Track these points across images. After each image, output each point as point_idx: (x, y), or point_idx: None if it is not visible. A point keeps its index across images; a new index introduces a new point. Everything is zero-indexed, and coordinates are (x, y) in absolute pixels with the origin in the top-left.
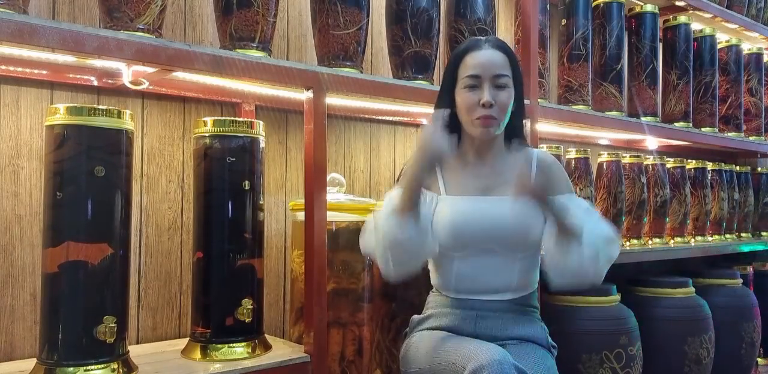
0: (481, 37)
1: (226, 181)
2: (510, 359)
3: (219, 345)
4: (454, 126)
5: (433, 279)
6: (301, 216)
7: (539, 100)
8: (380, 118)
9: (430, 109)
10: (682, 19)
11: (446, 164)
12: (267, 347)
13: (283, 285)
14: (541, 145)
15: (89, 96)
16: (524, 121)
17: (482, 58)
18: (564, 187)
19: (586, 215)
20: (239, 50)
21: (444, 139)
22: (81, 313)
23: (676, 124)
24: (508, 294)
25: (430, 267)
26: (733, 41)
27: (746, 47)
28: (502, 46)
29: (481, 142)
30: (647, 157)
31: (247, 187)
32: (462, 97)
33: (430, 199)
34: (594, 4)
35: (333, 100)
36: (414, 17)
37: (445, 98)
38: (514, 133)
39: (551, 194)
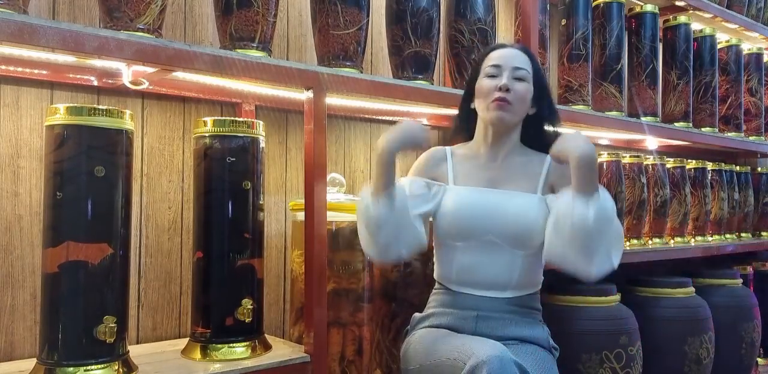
0: (508, 43)
1: (226, 181)
2: (510, 355)
3: (219, 345)
4: (469, 122)
5: (436, 271)
6: (301, 216)
7: None
8: (380, 118)
9: (430, 109)
10: (682, 19)
11: (456, 160)
12: (267, 347)
13: (283, 285)
14: None
15: (89, 96)
16: (546, 131)
17: (505, 52)
18: None
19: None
20: (239, 50)
21: (422, 130)
22: (81, 313)
23: (676, 124)
24: (509, 292)
25: (434, 259)
26: (733, 41)
27: (746, 47)
28: (527, 51)
29: (495, 135)
30: (647, 157)
31: (247, 187)
32: (481, 84)
33: (437, 190)
34: (594, 4)
35: (333, 100)
36: (414, 17)
37: (468, 95)
38: (535, 141)
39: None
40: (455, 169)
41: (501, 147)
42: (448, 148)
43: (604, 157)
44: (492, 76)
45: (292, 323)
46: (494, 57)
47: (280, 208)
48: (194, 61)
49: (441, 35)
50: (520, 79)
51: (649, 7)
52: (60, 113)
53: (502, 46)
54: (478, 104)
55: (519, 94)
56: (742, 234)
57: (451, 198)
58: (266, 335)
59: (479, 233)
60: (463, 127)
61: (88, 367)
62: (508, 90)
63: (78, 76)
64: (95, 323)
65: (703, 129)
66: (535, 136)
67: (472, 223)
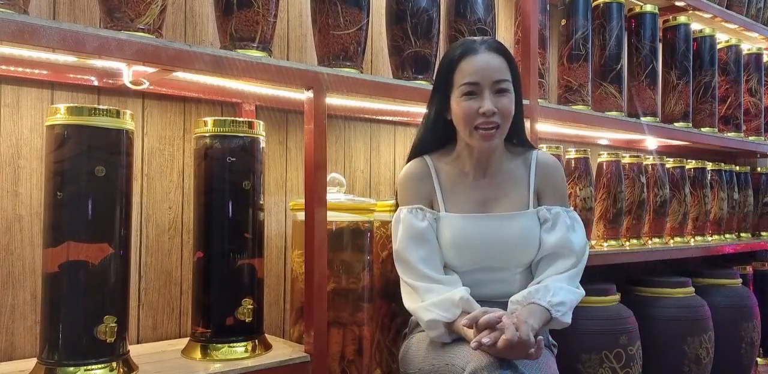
0: (476, 38)
1: (227, 180)
2: (508, 361)
3: (219, 345)
4: (448, 132)
5: None
6: (301, 216)
7: (539, 100)
8: (380, 118)
9: None
10: (682, 19)
11: (443, 177)
12: (267, 347)
13: (283, 285)
14: (540, 145)
15: (89, 96)
16: (524, 122)
17: (480, 63)
18: (557, 194)
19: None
20: (239, 50)
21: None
22: (81, 313)
23: (675, 124)
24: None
25: None
26: (733, 41)
27: (746, 47)
28: (499, 49)
29: (480, 152)
30: (647, 157)
31: (247, 187)
32: (461, 106)
33: (431, 218)
34: (594, 4)
35: (333, 100)
36: (414, 17)
37: (439, 104)
38: (514, 136)
39: (543, 202)
40: (444, 190)
41: (489, 161)
42: (428, 161)
43: (603, 157)
44: (470, 94)
45: (292, 323)
46: (468, 71)
47: (280, 208)
48: (195, 61)
49: (441, 35)
50: (502, 92)
51: (648, 8)
52: (60, 113)
53: (473, 50)
54: (457, 124)
55: (505, 112)
56: (742, 234)
57: (447, 230)
58: (266, 335)
59: (480, 261)
60: (437, 141)
61: (89, 367)
62: (494, 113)
63: (78, 76)
64: (95, 323)
65: (702, 129)
66: (514, 128)
67: (471, 256)
